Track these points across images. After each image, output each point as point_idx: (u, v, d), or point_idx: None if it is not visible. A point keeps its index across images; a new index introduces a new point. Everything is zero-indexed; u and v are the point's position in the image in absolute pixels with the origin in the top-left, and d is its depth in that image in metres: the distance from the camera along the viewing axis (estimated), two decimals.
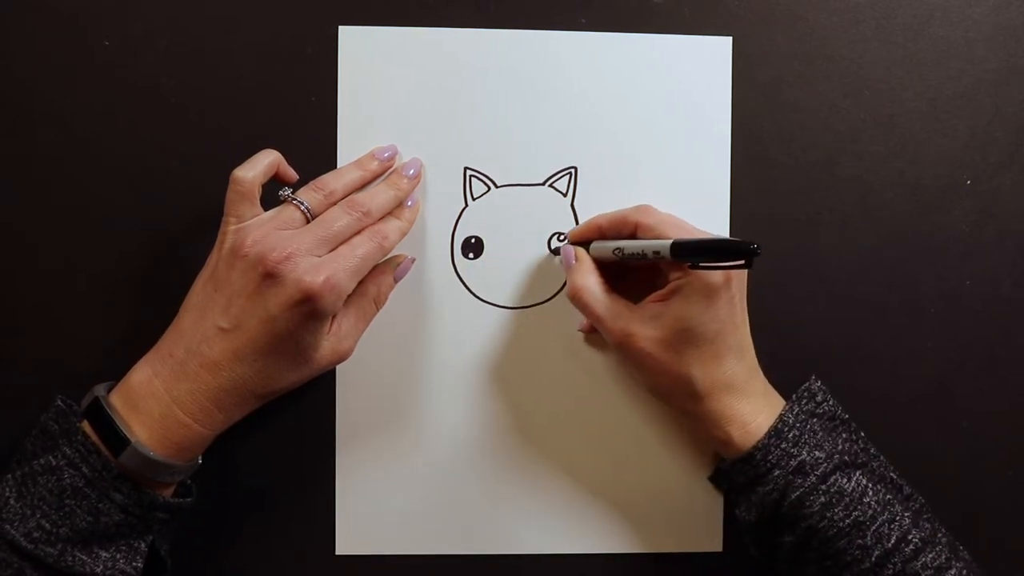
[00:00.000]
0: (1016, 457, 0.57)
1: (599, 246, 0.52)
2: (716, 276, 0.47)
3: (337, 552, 0.54)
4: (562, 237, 0.55)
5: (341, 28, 0.54)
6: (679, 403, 0.51)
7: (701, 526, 0.55)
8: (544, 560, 0.55)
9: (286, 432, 0.54)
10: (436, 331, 0.54)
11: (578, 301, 0.51)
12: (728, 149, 0.55)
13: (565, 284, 0.55)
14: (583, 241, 0.53)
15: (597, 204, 0.54)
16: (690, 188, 0.55)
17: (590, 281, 0.50)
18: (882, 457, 0.51)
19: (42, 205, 0.53)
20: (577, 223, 0.55)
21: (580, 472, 0.55)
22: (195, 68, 0.53)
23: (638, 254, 0.48)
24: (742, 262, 0.43)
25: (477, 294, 0.55)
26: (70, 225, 0.53)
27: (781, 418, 0.49)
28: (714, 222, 0.55)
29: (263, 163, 0.49)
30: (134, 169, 0.53)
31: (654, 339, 0.48)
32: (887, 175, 0.56)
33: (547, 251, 0.55)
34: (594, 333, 0.54)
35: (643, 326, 0.49)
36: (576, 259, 0.52)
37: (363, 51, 0.54)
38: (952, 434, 0.56)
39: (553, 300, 0.55)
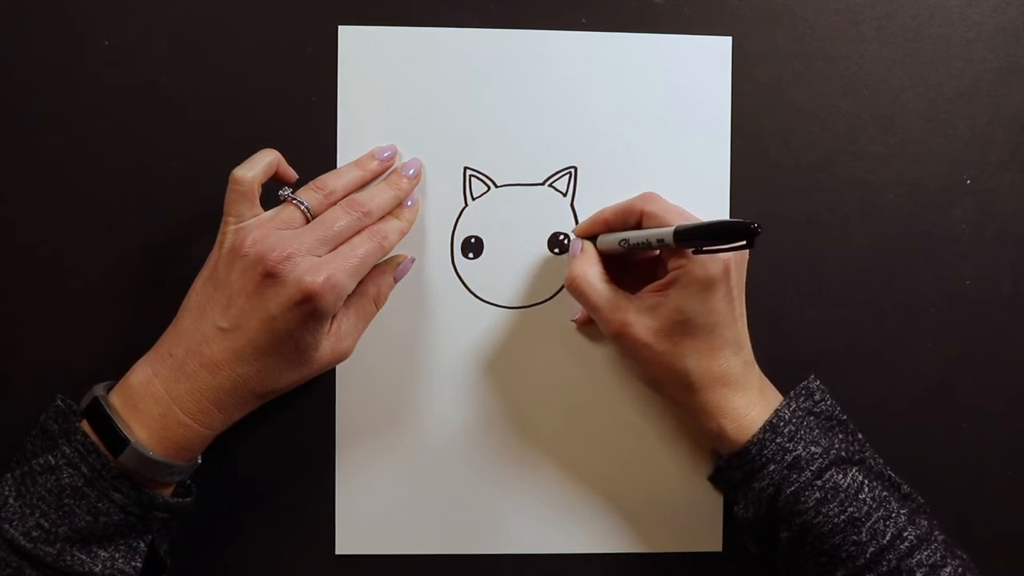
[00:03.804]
0: (1016, 457, 0.57)
1: (606, 239, 0.52)
2: (714, 268, 0.47)
3: (337, 552, 0.54)
4: (562, 237, 0.55)
5: (341, 28, 0.54)
6: (673, 395, 0.51)
7: (701, 526, 0.55)
8: (544, 560, 0.55)
9: (286, 432, 0.54)
10: (436, 331, 0.54)
11: (575, 290, 0.51)
12: (728, 149, 0.55)
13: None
14: (589, 236, 0.53)
15: (597, 204, 0.54)
16: (690, 188, 0.55)
17: (590, 271, 0.50)
18: (879, 458, 0.51)
19: (42, 205, 0.53)
20: (577, 223, 0.54)
21: (580, 472, 0.55)
22: (195, 68, 0.53)
23: (643, 243, 0.49)
24: (744, 243, 0.43)
25: (477, 294, 0.55)
26: (70, 225, 0.53)
27: (777, 413, 0.49)
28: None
29: (262, 163, 0.49)
30: (134, 169, 0.53)
31: (651, 329, 0.48)
32: (887, 175, 0.56)
33: (547, 251, 0.55)
34: (588, 325, 0.55)
35: (640, 316, 0.49)
36: (581, 250, 0.52)
37: (363, 51, 0.54)
38: (952, 434, 0.56)
39: (553, 300, 0.55)
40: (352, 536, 0.54)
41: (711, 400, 0.49)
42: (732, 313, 0.49)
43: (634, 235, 0.49)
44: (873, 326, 0.56)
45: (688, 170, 0.55)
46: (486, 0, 0.54)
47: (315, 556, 0.54)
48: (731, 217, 0.55)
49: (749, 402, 0.50)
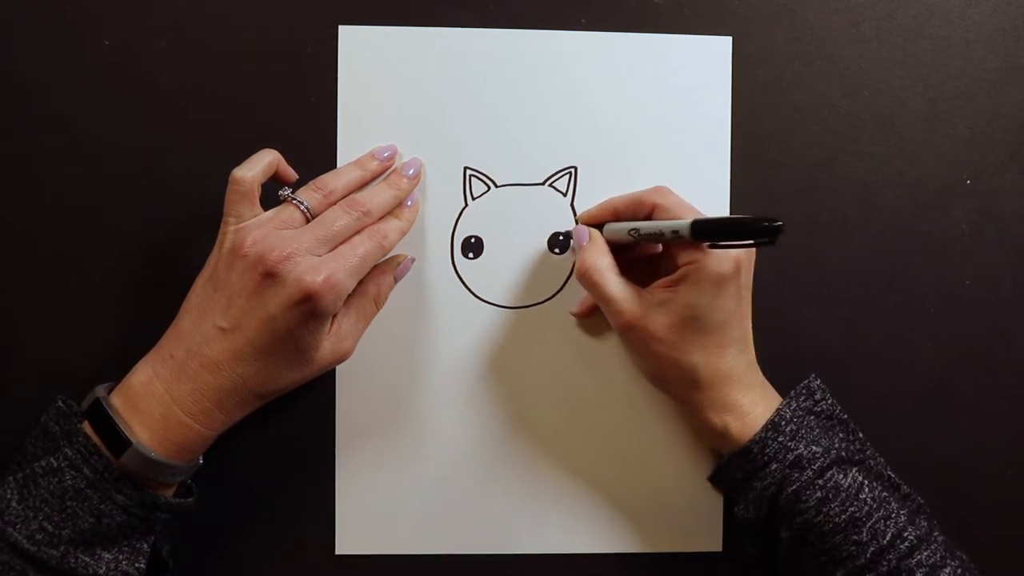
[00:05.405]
0: (1016, 457, 0.57)
1: (613, 227, 0.51)
2: (726, 265, 0.47)
3: (337, 552, 0.54)
4: (562, 237, 0.55)
5: (341, 28, 0.54)
6: (678, 391, 0.51)
7: (701, 526, 0.55)
8: (544, 560, 0.55)
9: (286, 432, 0.54)
10: (436, 331, 0.54)
11: (587, 280, 0.50)
12: (728, 149, 0.55)
13: (566, 282, 0.55)
14: (596, 223, 0.53)
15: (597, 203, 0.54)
16: (690, 188, 0.54)
17: (601, 262, 0.50)
18: (880, 457, 0.51)
19: (42, 205, 0.53)
20: (577, 223, 0.55)
21: (580, 472, 0.55)
22: (195, 68, 0.53)
23: (655, 234, 0.48)
24: (765, 240, 0.43)
25: (477, 294, 0.55)
26: (70, 225, 0.53)
27: (779, 412, 0.49)
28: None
29: (262, 163, 0.49)
30: (134, 169, 0.53)
31: (661, 324, 0.48)
32: (887, 175, 0.56)
33: (547, 251, 0.55)
34: (588, 318, 0.54)
35: (651, 310, 0.48)
36: (589, 239, 0.52)
37: (363, 51, 0.54)
38: (952, 434, 0.56)
39: (553, 300, 0.55)
40: (352, 536, 0.54)
41: (716, 397, 0.49)
42: (740, 311, 0.49)
43: (646, 225, 0.49)
44: (873, 326, 0.56)
45: (688, 170, 0.55)
46: (486, 0, 0.54)
47: (315, 556, 0.54)
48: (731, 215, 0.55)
49: (753, 400, 0.50)
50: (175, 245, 0.53)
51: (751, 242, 0.44)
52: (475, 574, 0.55)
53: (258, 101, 0.53)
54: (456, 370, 0.55)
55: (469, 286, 0.55)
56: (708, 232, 0.45)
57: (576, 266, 0.51)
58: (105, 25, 0.53)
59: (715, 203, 0.55)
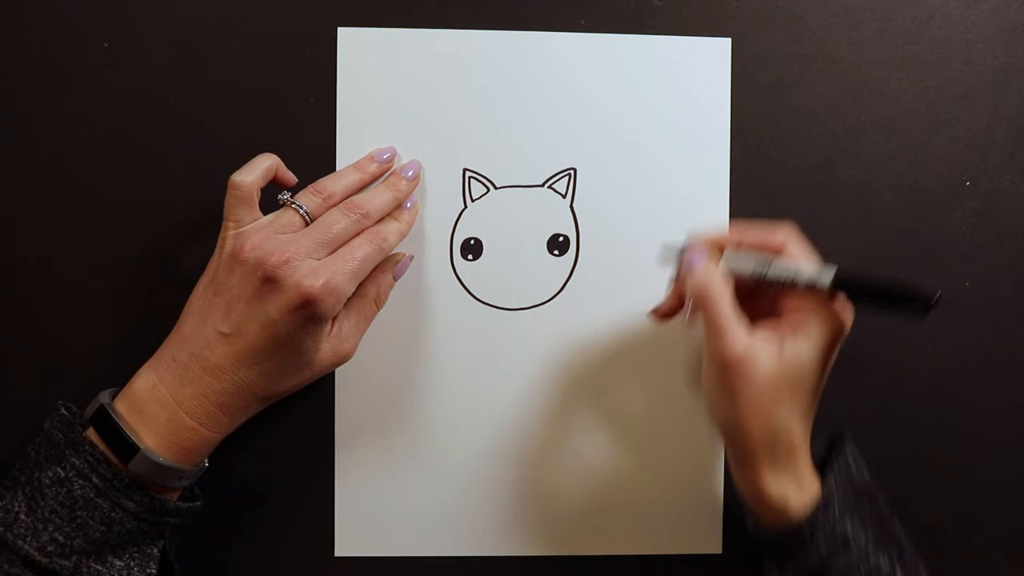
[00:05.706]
0: (1016, 457, 0.57)
1: (739, 262, 0.47)
2: (844, 323, 0.45)
3: (336, 554, 0.54)
4: (561, 239, 0.54)
5: (340, 29, 0.53)
6: (750, 449, 0.46)
7: (701, 528, 0.55)
8: (544, 562, 0.55)
9: (286, 433, 0.54)
10: (435, 333, 0.54)
11: (705, 300, 0.45)
12: (727, 151, 0.55)
13: (565, 284, 0.55)
14: (714, 246, 0.49)
15: (596, 205, 0.54)
16: (689, 190, 0.55)
17: (722, 284, 0.46)
18: (898, 525, 0.48)
19: (41, 208, 0.53)
20: (576, 225, 0.55)
21: (579, 474, 0.55)
22: (194, 70, 0.53)
23: (781, 277, 0.46)
24: (921, 311, 0.40)
25: (476, 296, 0.55)
26: (69, 228, 0.53)
27: (828, 487, 0.46)
28: (713, 224, 0.55)
29: (261, 167, 0.49)
30: (133, 172, 0.53)
31: (764, 369, 0.44)
32: (886, 176, 0.56)
33: (546, 253, 0.55)
34: (667, 320, 0.51)
35: (758, 352, 0.44)
36: (709, 260, 0.47)
37: (362, 52, 0.54)
38: (952, 434, 0.56)
39: (552, 302, 0.55)
40: (351, 538, 0.54)
41: (785, 462, 0.46)
42: (828, 375, 0.47)
43: (778, 265, 0.46)
44: (873, 326, 0.56)
45: (688, 171, 0.55)
46: (485, 2, 0.54)
47: (314, 558, 0.54)
48: (730, 219, 0.55)
49: (810, 471, 0.46)
50: (175, 247, 0.53)
51: (900, 310, 0.41)
52: None
53: (257, 103, 0.53)
54: (455, 372, 0.55)
55: (468, 288, 0.55)
56: (852, 289, 0.44)
57: (694, 283, 0.46)
58: (105, 27, 0.53)
59: (715, 205, 0.55)
